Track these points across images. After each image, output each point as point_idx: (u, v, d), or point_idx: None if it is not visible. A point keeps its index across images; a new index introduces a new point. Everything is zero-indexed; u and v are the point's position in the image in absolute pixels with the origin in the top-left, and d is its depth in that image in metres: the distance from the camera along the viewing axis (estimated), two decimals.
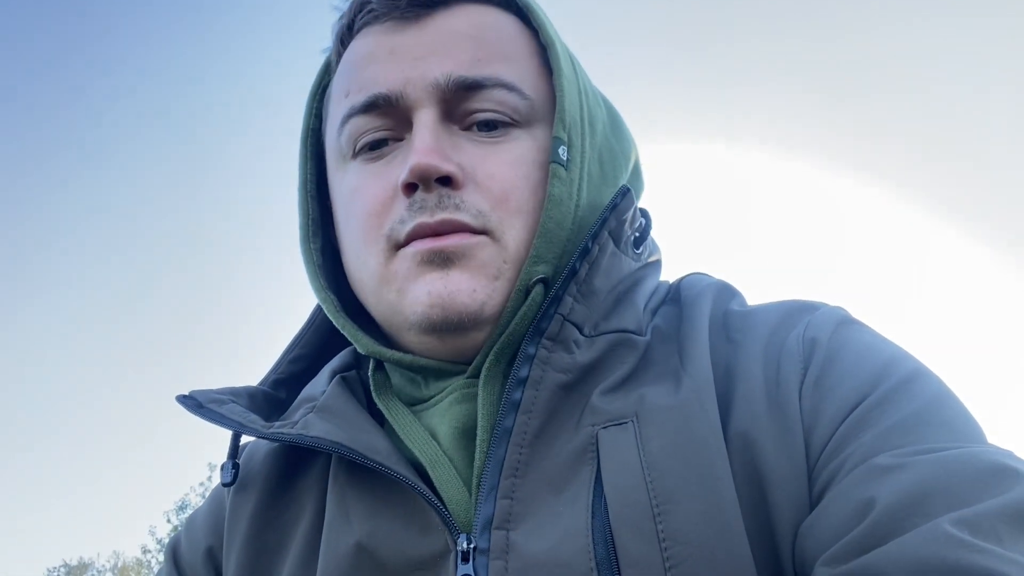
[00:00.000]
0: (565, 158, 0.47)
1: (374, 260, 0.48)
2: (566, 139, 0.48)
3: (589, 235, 0.46)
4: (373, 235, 0.47)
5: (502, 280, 0.46)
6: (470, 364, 0.47)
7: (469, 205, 0.45)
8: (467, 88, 0.47)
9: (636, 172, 0.57)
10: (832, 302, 0.49)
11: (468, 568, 0.39)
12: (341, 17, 0.53)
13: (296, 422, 0.48)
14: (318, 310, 0.59)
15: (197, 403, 0.50)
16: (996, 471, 0.36)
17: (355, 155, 0.50)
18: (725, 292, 0.52)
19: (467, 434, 0.45)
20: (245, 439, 0.52)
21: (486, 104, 0.47)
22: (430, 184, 0.45)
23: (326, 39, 0.56)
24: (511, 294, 0.46)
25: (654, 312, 0.51)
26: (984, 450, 0.37)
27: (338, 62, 0.53)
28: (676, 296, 0.53)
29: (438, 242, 0.45)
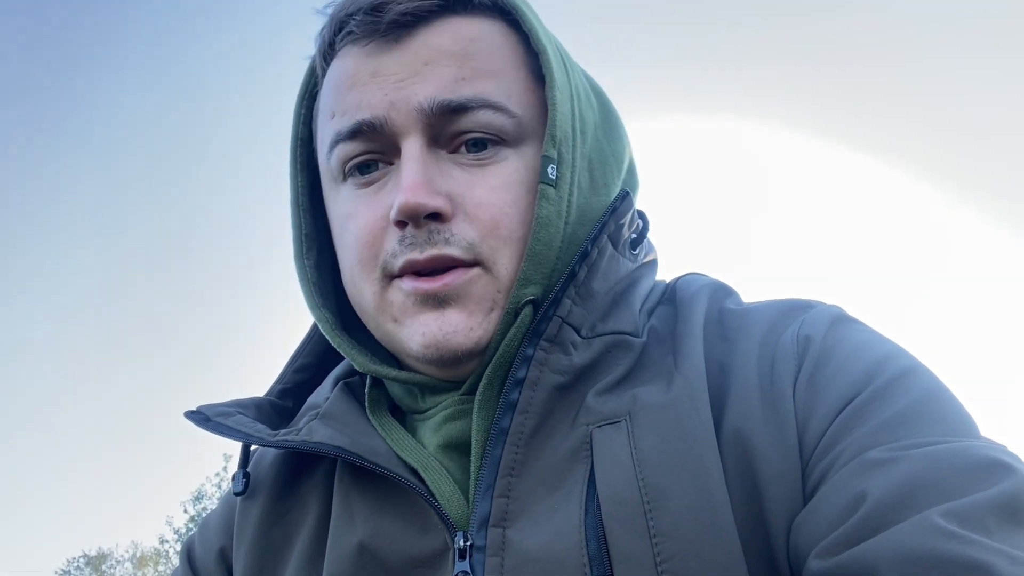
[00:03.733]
0: (554, 177, 0.46)
1: (370, 290, 0.48)
2: (555, 156, 0.47)
3: (588, 239, 0.47)
4: (368, 265, 0.48)
5: (496, 310, 0.46)
6: (463, 381, 0.48)
7: (459, 238, 0.46)
8: (452, 111, 0.46)
9: (631, 171, 0.56)
10: (829, 299, 0.50)
11: (465, 565, 0.41)
12: (322, 31, 0.52)
13: (300, 429, 0.50)
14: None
15: (204, 417, 0.51)
16: (986, 465, 0.36)
17: (345, 178, 0.50)
18: (720, 292, 0.53)
19: (458, 448, 0.47)
20: (255, 450, 0.54)
21: (472, 126, 0.47)
22: (419, 221, 0.45)
23: (311, 39, 0.53)
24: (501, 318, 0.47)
25: (650, 312, 0.52)
26: (975, 444, 0.38)
27: (323, 76, 0.52)
28: (672, 296, 0.53)
29: (432, 284, 0.45)
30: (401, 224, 0.46)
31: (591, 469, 0.42)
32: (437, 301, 0.46)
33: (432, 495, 0.44)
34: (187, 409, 0.52)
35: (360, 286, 0.49)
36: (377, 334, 0.50)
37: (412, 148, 0.46)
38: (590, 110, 0.52)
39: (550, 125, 0.47)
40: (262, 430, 0.50)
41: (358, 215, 0.48)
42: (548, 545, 0.40)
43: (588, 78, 0.55)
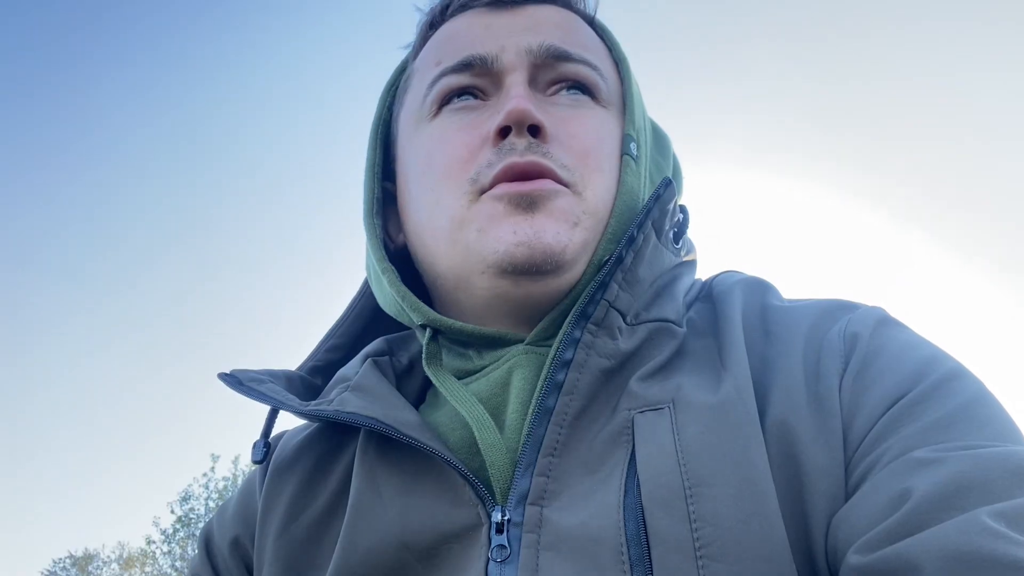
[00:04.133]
0: (635, 154, 0.50)
1: (456, 203, 0.48)
2: (635, 138, 0.51)
3: (634, 224, 0.47)
4: (456, 179, 0.48)
5: (580, 229, 0.47)
6: (527, 332, 0.48)
7: (557, 158, 0.48)
8: (557, 57, 0.50)
9: (676, 173, 0.59)
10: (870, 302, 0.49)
11: (502, 539, 0.40)
12: (431, 10, 0.57)
13: (332, 400, 0.50)
14: (356, 300, 0.61)
15: (238, 380, 0.52)
16: None
17: (439, 111, 0.52)
18: (757, 286, 0.53)
19: (520, 397, 0.46)
20: (277, 427, 0.53)
21: (571, 74, 0.51)
22: (522, 130, 0.47)
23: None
24: (589, 258, 0.48)
25: (688, 307, 0.52)
26: (1022, 450, 0.37)
27: (420, 50, 0.57)
28: (708, 294, 0.53)
29: (524, 186, 0.46)
30: (502, 135, 0.48)
31: (632, 453, 0.41)
32: (528, 203, 0.46)
33: (477, 458, 0.44)
34: (221, 372, 0.52)
35: (444, 203, 0.49)
36: (450, 254, 0.49)
37: (517, 79, 0.50)
38: (648, 127, 0.57)
39: (629, 112, 0.52)
40: (293, 399, 0.51)
41: (453, 136, 0.50)
42: (585, 523, 0.39)
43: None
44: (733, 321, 0.48)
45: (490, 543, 0.41)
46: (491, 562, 0.40)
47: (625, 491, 0.40)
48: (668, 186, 0.49)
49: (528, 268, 0.45)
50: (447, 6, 0.56)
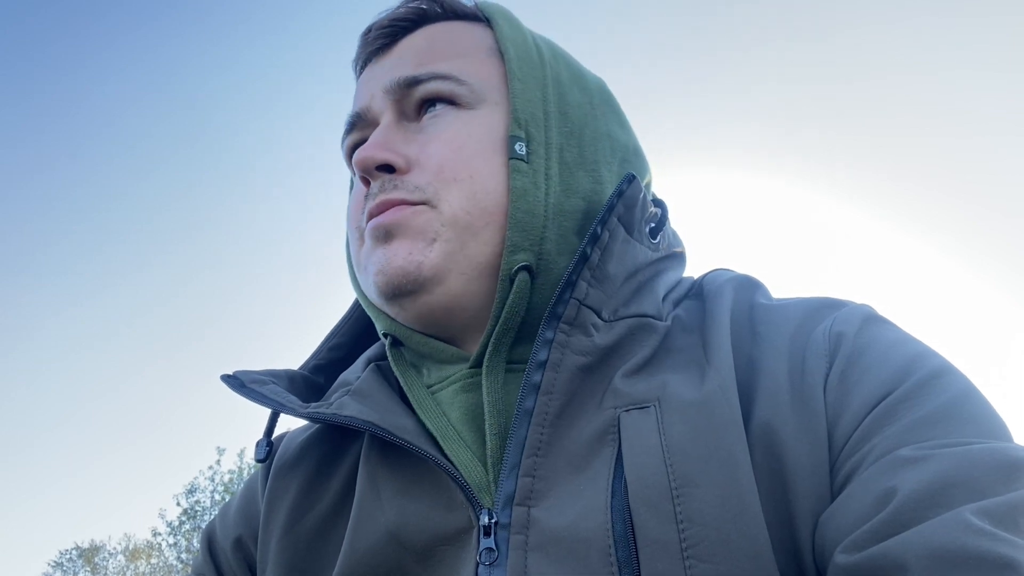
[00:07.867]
0: (524, 152, 0.49)
1: (354, 251, 0.53)
2: (523, 135, 0.50)
3: (597, 221, 0.47)
4: (354, 231, 0.53)
5: (440, 242, 0.48)
6: (453, 344, 0.50)
7: (409, 184, 0.49)
8: (407, 86, 0.51)
9: (637, 156, 0.57)
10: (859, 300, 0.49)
11: (490, 542, 0.41)
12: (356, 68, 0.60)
13: (332, 403, 0.51)
14: (356, 302, 0.62)
15: (240, 383, 0.52)
16: (1020, 465, 0.36)
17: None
18: (747, 285, 0.52)
19: (473, 421, 0.47)
20: (280, 426, 0.54)
21: (424, 94, 0.51)
22: (373, 174, 0.50)
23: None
24: (473, 268, 0.48)
25: (676, 304, 0.52)
26: (1009, 446, 0.37)
27: None
28: (699, 291, 0.53)
29: (378, 219, 0.49)
30: (364, 182, 0.50)
31: (618, 452, 0.42)
32: (384, 234, 0.48)
33: (458, 472, 0.44)
34: (223, 373, 0.53)
35: (353, 250, 0.53)
36: (365, 298, 0.54)
37: (383, 122, 0.52)
38: (580, 92, 0.55)
39: (512, 110, 0.51)
40: (294, 401, 0.52)
41: (354, 194, 0.54)
42: (573, 525, 0.39)
43: (585, 74, 0.57)
44: (720, 320, 0.48)
45: (479, 546, 0.41)
46: (480, 565, 0.40)
47: (612, 491, 0.40)
48: (632, 182, 0.49)
49: (394, 292, 0.48)
50: (356, 70, 0.58)
